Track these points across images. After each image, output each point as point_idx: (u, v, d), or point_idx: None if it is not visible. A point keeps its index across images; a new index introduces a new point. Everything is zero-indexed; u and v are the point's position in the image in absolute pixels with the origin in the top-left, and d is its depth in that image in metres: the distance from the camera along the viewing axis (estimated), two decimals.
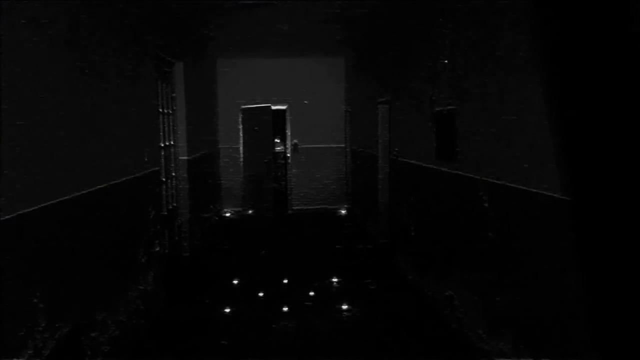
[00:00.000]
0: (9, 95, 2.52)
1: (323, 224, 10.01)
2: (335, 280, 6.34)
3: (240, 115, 10.98)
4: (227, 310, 5.39)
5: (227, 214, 10.93)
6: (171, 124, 6.62)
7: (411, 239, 6.10)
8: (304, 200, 11.32)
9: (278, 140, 12.91)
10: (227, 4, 6.04)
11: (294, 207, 11.28)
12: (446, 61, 4.70)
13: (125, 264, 4.34)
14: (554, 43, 2.94)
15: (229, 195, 11.03)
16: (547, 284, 3.03)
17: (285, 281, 6.31)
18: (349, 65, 10.54)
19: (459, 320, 4.53)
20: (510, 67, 3.42)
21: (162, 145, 6.03)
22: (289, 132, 11.25)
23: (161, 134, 5.98)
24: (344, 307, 5.43)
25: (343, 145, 11.12)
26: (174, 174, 6.67)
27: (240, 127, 11.02)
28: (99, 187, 3.65)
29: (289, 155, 11.29)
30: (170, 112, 6.61)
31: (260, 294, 5.84)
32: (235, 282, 6.32)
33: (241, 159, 11.08)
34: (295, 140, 11.22)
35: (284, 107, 11.14)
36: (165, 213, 6.10)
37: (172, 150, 6.60)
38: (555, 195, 2.88)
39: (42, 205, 2.82)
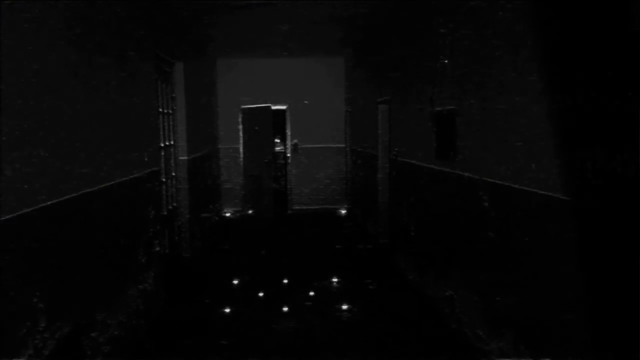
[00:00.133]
0: (9, 95, 2.52)
1: (323, 224, 10.01)
2: (335, 280, 6.34)
3: (240, 115, 10.98)
4: (227, 310, 5.39)
5: (227, 214, 10.93)
6: (171, 124, 6.62)
7: (411, 239, 6.10)
8: (304, 200, 11.32)
9: (278, 140, 12.91)
10: (227, 4, 6.04)
11: (294, 207, 11.28)
12: (446, 61, 4.70)
13: (125, 264, 4.34)
14: (554, 43, 2.94)
15: (229, 195, 11.03)
16: (547, 284, 3.03)
17: (285, 281, 6.31)
18: (349, 65, 10.54)
19: (459, 320, 4.53)
20: (510, 67, 3.42)
21: (162, 145, 6.03)
22: (289, 132, 11.25)
23: (161, 134, 5.98)
24: (344, 307, 5.43)
25: (343, 145, 11.13)
26: (174, 174, 6.67)
27: (240, 127, 11.02)
28: (99, 187, 3.65)
29: (289, 155, 11.29)
30: (170, 112, 6.61)
31: (260, 294, 5.85)
32: (235, 282, 6.32)
33: (241, 159, 11.08)
34: (295, 140, 11.22)
35: (284, 107, 11.14)
36: (165, 213, 6.10)
37: (172, 150, 6.60)
38: (555, 195, 2.88)
39: (42, 205, 2.82)
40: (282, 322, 5.09)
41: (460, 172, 4.39)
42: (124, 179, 4.23)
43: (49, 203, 2.89)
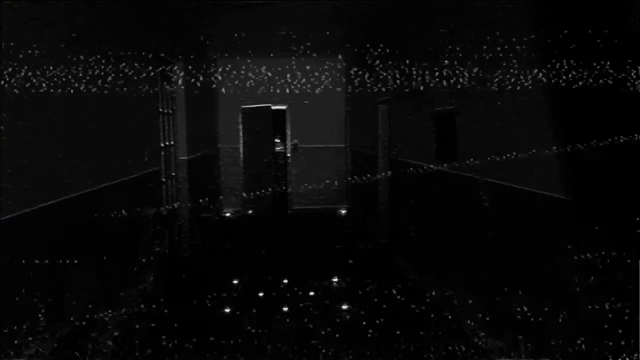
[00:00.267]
0: (9, 96, 2.52)
1: (323, 224, 10.00)
2: (335, 280, 6.34)
3: (240, 115, 10.97)
4: (227, 310, 5.39)
5: (227, 214, 10.93)
6: (171, 124, 6.61)
7: (411, 239, 6.09)
8: (304, 200, 11.31)
9: (278, 140, 12.91)
10: (227, 4, 6.04)
11: (294, 207, 11.28)
12: (446, 61, 4.69)
13: (125, 264, 4.33)
14: (554, 43, 2.94)
15: (229, 195, 11.02)
16: (547, 284, 3.03)
17: (285, 281, 6.31)
18: (349, 65, 10.54)
19: (459, 320, 4.53)
20: (510, 67, 3.42)
21: (162, 145, 6.02)
22: (289, 132, 11.24)
23: (161, 134, 5.98)
24: (344, 307, 5.43)
25: (343, 145, 11.12)
26: (174, 174, 6.67)
27: (240, 127, 11.02)
28: (99, 187, 3.65)
29: (289, 155, 11.29)
30: (170, 112, 6.61)
31: (260, 294, 5.84)
32: (235, 282, 6.32)
33: (241, 159, 11.08)
34: (295, 140, 11.21)
35: (284, 107, 11.13)
36: (165, 213, 6.09)
37: (172, 150, 6.59)
38: (555, 195, 2.88)
39: (42, 205, 2.82)
40: (282, 322, 5.08)
41: (461, 172, 4.38)
42: (124, 179, 4.22)
43: (49, 203, 2.89)
